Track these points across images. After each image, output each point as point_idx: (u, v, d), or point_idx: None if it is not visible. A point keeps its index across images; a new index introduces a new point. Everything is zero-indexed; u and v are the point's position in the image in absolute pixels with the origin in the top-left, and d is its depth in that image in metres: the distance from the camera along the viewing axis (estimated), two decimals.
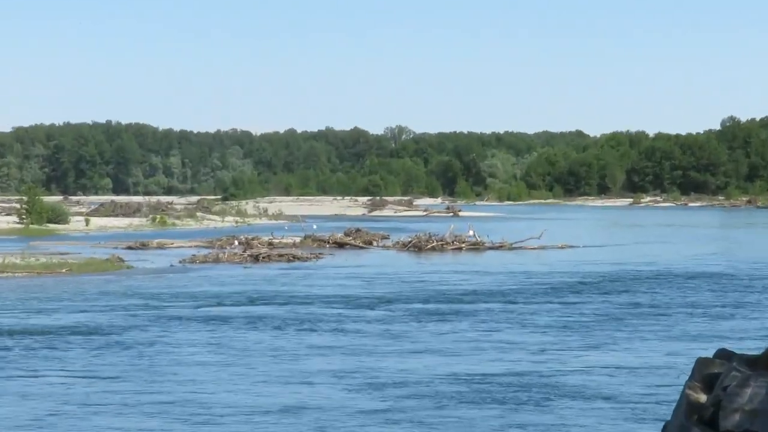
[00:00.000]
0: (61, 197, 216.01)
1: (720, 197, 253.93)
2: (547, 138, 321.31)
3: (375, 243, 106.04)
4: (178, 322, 49.69)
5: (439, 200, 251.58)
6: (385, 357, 39.96)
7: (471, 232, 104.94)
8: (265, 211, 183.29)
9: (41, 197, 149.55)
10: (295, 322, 49.34)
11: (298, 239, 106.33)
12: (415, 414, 31.28)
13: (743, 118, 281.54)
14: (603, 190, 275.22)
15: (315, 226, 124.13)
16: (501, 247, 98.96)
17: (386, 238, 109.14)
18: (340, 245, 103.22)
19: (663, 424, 14.79)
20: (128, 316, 51.43)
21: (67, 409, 31.92)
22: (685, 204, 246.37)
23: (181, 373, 37.26)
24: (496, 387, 34.59)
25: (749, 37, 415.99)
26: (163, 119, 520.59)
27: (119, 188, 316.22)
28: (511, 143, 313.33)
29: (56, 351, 41.22)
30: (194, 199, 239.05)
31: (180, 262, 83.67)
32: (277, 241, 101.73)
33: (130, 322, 49.13)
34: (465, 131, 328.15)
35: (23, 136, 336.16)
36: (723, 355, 14.60)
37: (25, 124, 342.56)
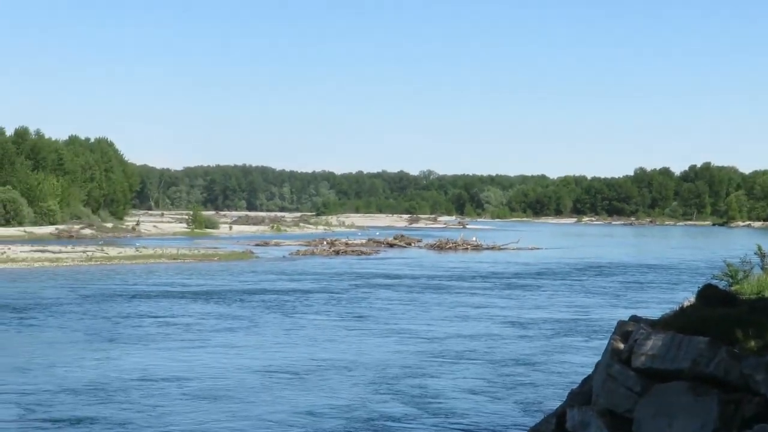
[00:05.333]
0: (213, 212, 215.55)
1: (632, 218, 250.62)
2: (523, 179, 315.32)
3: (413, 244, 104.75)
4: (291, 290, 50.69)
5: (453, 217, 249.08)
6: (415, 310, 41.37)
7: (474, 238, 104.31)
8: (343, 223, 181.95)
9: (201, 211, 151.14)
10: (370, 287, 50.69)
11: (364, 240, 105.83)
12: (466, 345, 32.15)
13: (648, 167, 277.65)
14: (557, 213, 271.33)
15: (378, 233, 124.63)
16: (493, 248, 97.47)
17: (419, 241, 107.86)
18: (391, 245, 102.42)
19: (596, 361, 15.29)
20: (249, 283, 53.17)
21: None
22: (610, 222, 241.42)
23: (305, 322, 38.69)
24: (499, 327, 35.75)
25: (657, 106, 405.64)
26: (279, 162, 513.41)
27: (251, 207, 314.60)
28: (500, 182, 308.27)
29: (210, 301, 43.54)
30: (298, 214, 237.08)
31: (289, 254, 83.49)
32: (350, 241, 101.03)
33: (255, 286, 50.92)
34: (470, 173, 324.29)
35: (191, 173, 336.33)
36: (634, 319, 14.82)
37: (192, 165, 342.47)
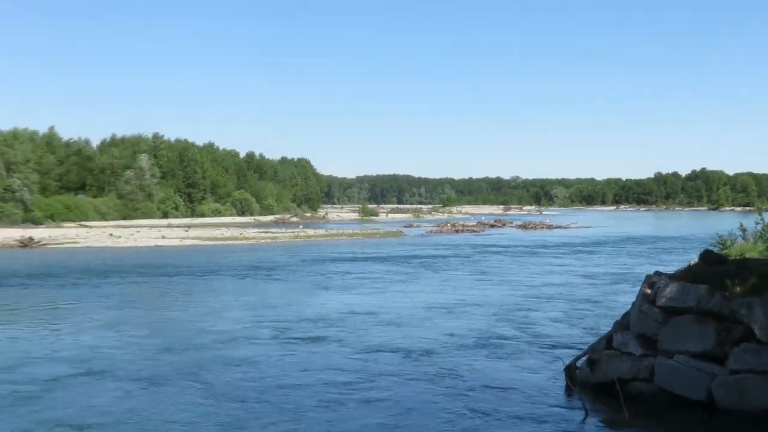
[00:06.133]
0: (375, 205, 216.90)
1: (653, 206, 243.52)
2: (579, 180, 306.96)
3: (507, 225, 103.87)
4: (433, 254, 50.61)
5: (534, 207, 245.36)
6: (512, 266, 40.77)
7: (548, 221, 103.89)
8: (460, 211, 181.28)
9: (367, 205, 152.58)
10: (483, 253, 50.42)
11: (475, 223, 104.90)
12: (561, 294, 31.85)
13: (664, 171, 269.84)
14: (603, 203, 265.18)
15: (483, 218, 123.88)
16: (560, 227, 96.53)
17: (511, 223, 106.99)
18: (492, 226, 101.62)
19: (632, 301, 14.67)
20: (404, 251, 53.02)
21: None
22: (638, 209, 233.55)
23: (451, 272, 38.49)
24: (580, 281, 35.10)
25: (670, 127, 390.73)
26: (418, 171, 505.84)
27: (399, 201, 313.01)
28: (564, 183, 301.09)
29: (382, 263, 43.37)
30: (431, 206, 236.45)
31: (426, 232, 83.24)
32: (466, 224, 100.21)
33: (408, 253, 50.76)
34: (544, 177, 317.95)
35: (360, 180, 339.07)
36: (657, 273, 14.58)
37: (361, 174, 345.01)
